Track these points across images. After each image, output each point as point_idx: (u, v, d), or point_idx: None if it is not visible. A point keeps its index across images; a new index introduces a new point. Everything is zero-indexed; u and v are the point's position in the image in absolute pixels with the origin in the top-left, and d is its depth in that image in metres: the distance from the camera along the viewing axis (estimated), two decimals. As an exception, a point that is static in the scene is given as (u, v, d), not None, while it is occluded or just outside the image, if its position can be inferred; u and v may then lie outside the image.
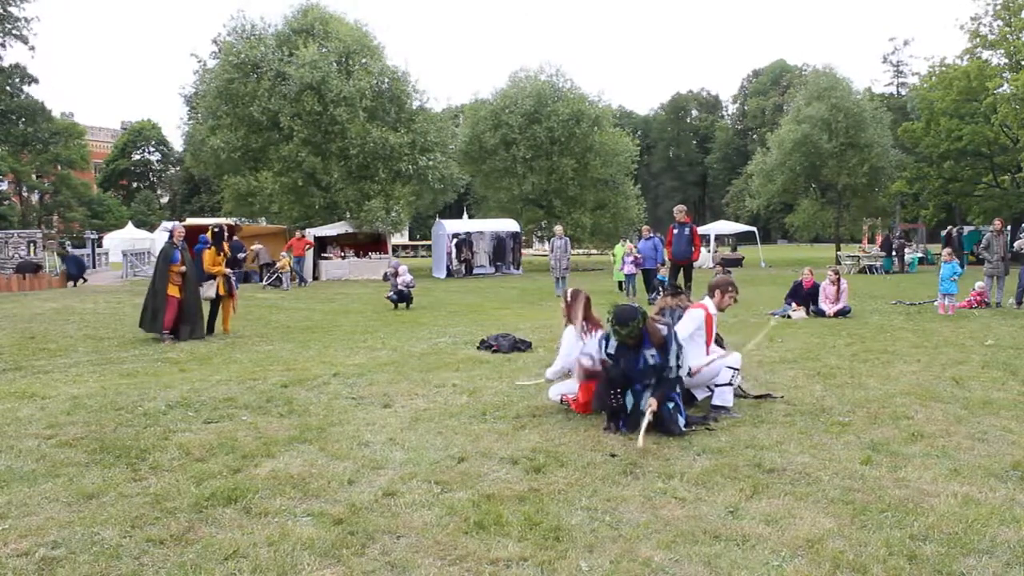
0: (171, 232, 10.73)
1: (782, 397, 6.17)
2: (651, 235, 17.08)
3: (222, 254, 11.05)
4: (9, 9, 36.80)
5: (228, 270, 11.15)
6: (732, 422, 5.41)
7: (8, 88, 38.95)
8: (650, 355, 5.16)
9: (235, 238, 24.76)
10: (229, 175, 27.34)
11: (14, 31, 37.28)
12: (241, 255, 22.59)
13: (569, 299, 6.17)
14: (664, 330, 5.22)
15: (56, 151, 44.01)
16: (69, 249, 27.05)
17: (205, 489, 4.02)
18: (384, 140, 26.72)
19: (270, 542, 3.35)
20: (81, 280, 22.89)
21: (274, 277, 22.63)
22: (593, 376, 5.46)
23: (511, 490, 4.01)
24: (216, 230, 11.46)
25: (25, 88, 40.23)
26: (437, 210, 39.67)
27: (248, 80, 27.07)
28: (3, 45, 38.01)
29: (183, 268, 10.38)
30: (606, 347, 5.30)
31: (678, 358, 5.20)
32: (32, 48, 39.44)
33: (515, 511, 3.71)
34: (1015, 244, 14.17)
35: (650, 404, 4.98)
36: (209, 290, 11.12)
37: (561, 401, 5.81)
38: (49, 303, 16.83)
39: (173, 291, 10.22)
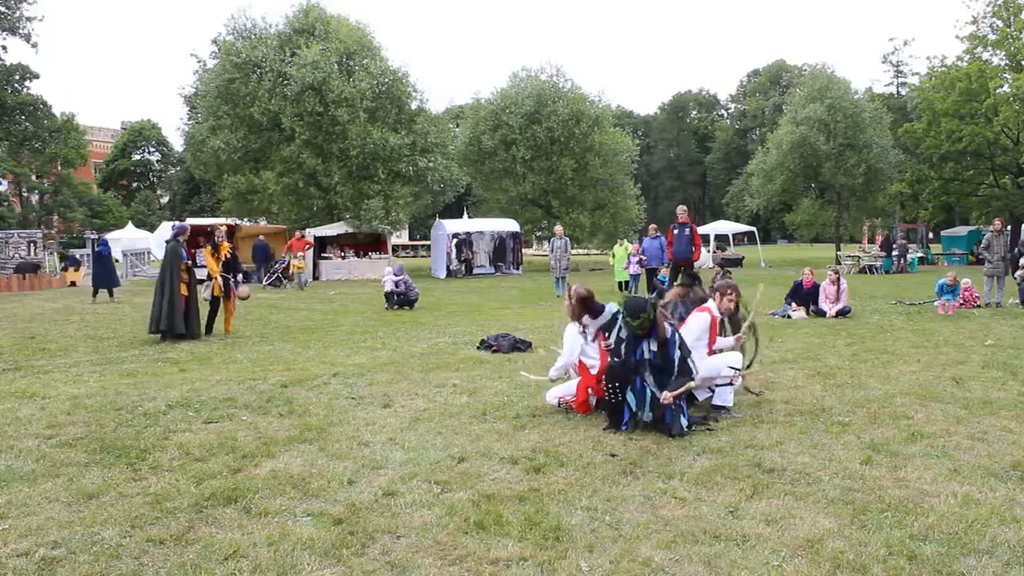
0: (178, 232, 10.75)
1: (761, 393, 6.23)
2: (657, 234, 17.04)
3: (216, 256, 11.04)
4: (11, 7, 36.80)
5: (220, 274, 11.09)
6: (732, 422, 5.42)
7: (9, 88, 38.97)
8: (648, 349, 5.19)
9: (261, 237, 24.90)
10: (229, 175, 27.34)
11: (19, 29, 37.32)
12: (279, 263, 22.86)
13: (573, 298, 6.20)
14: (668, 330, 5.25)
15: (55, 149, 43.98)
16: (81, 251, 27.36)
17: (205, 489, 4.02)
18: (384, 141, 26.72)
19: (270, 542, 3.35)
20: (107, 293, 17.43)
21: (274, 277, 22.61)
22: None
23: (511, 490, 4.01)
24: (210, 230, 11.52)
25: (27, 84, 40.30)
26: (437, 210, 39.66)
27: (249, 80, 27.06)
28: (4, 47, 38.10)
29: (188, 263, 10.47)
30: (616, 335, 5.33)
31: (686, 353, 5.25)
32: (35, 45, 39.39)
33: (515, 511, 3.71)
34: (1016, 275, 14.21)
35: (665, 397, 5.04)
36: (205, 291, 11.13)
37: (559, 404, 5.81)
38: (49, 303, 16.84)
39: (183, 290, 10.28)
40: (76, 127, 46.15)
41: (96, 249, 18.76)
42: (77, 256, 25.81)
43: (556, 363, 6.17)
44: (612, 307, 5.63)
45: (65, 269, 24.93)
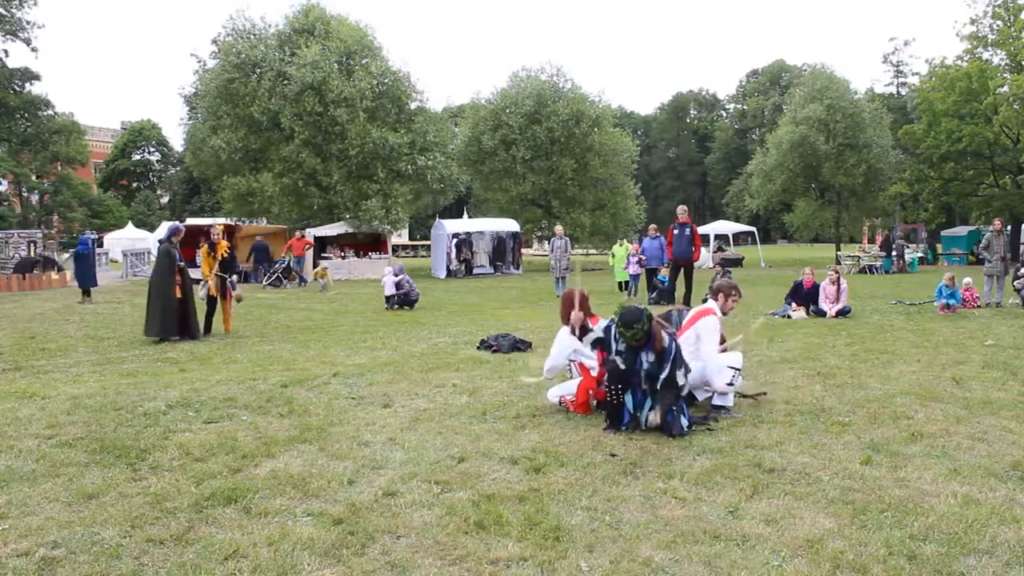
0: (172, 232, 10.73)
1: (765, 394, 6.23)
2: (657, 234, 17.05)
3: (213, 255, 11.02)
4: (11, 10, 36.88)
5: (216, 273, 11.07)
6: (732, 422, 5.41)
7: (11, 89, 39.03)
8: (646, 359, 5.16)
9: (258, 238, 24.92)
10: (229, 175, 27.34)
11: (19, 32, 37.42)
12: (282, 262, 22.85)
13: (564, 301, 6.21)
14: (667, 340, 5.21)
15: (56, 148, 44.04)
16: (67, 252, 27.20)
17: (205, 489, 4.02)
18: (384, 140, 26.72)
19: (270, 542, 3.35)
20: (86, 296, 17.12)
21: (274, 277, 22.59)
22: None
23: (511, 490, 4.01)
24: (206, 230, 11.52)
25: (27, 86, 40.39)
26: (437, 210, 39.69)
27: (248, 80, 27.06)
28: (5, 52, 38.22)
29: (182, 265, 10.45)
30: (615, 343, 5.29)
31: (676, 367, 5.16)
32: (35, 50, 39.72)
33: (515, 511, 3.71)
34: (1015, 283, 14.22)
35: (653, 419, 5.01)
36: (201, 291, 11.12)
37: (560, 403, 5.81)
38: (49, 303, 16.83)
39: (177, 292, 10.26)
40: (77, 126, 46.18)
41: (75, 248, 18.73)
42: (56, 259, 25.65)
43: (546, 364, 6.18)
44: (602, 323, 5.55)
45: (45, 270, 24.63)
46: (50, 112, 42.13)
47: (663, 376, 5.11)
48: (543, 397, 6.05)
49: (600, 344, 5.46)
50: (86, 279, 17.15)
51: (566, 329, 6.01)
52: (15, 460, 4.58)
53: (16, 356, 9.09)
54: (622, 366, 5.20)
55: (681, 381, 5.20)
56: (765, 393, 6.27)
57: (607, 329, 5.39)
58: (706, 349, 5.64)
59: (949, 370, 7.41)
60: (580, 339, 5.88)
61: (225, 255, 11.10)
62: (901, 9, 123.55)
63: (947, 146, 33.27)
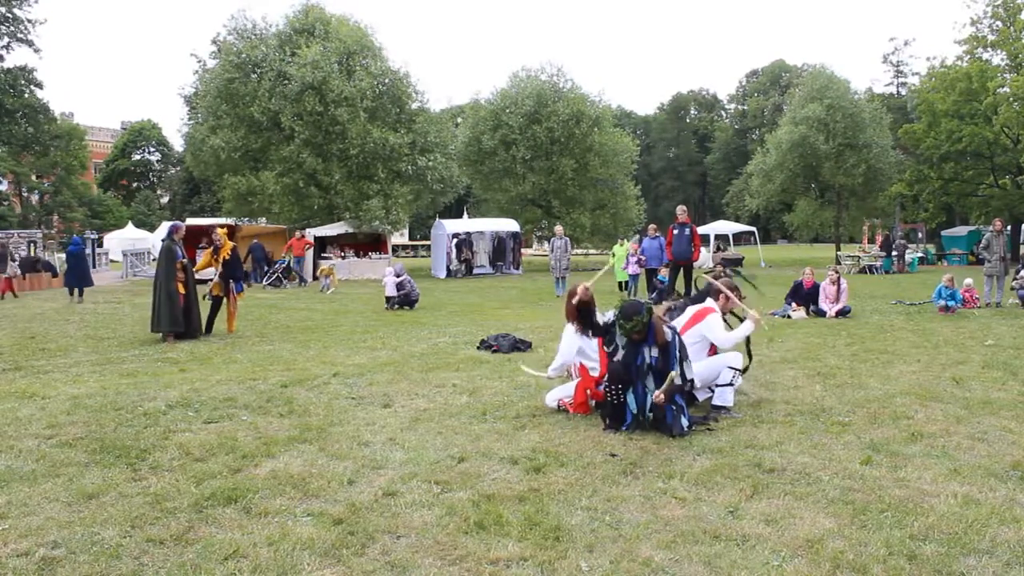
0: (172, 230, 10.74)
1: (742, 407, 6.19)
2: (656, 234, 17.03)
3: (216, 257, 11.02)
4: (13, 11, 36.89)
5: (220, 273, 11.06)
6: (732, 422, 5.42)
7: (12, 90, 38.99)
8: (649, 354, 5.17)
9: (255, 241, 24.94)
10: (229, 175, 27.33)
11: (19, 34, 37.43)
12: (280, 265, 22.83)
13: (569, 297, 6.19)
14: (669, 334, 5.22)
15: (56, 156, 44.03)
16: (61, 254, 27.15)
17: (205, 489, 4.02)
18: (384, 140, 26.72)
19: (270, 542, 3.35)
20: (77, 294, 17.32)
21: (274, 277, 22.59)
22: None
23: (511, 490, 4.01)
24: (208, 231, 11.55)
25: (26, 92, 40.32)
26: (437, 210, 39.65)
27: (248, 80, 27.06)
28: (8, 47, 38.13)
29: (185, 261, 10.46)
30: (616, 342, 5.29)
31: (683, 364, 5.21)
32: (38, 51, 39.67)
33: (515, 511, 3.71)
34: (1014, 283, 14.22)
35: (656, 396, 5.02)
36: (205, 290, 11.12)
37: (558, 406, 5.80)
38: (49, 303, 16.83)
39: (180, 288, 10.28)
40: (77, 128, 46.14)
41: (67, 248, 18.74)
42: (52, 263, 25.63)
43: (553, 362, 6.17)
44: (611, 314, 5.58)
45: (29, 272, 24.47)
46: (51, 117, 42.08)
47: (672, 372, 5.15)
48: (543, 398, 6.05)
49: (605, 334, 5.46)
50: (80, 279, 17.16)
51: (571, 327, 6.01)
52: (15, 460, 4.58)
53: (16, 356, 9.09)
54: (625, 359, 5.21)
55: (689, 374, 5.26)
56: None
57: (612, 322, 5.41)
58: (721, 337, 5.74)
59: (949, 370, 7.41)
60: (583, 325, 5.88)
61: (227, 256, 11.10)
62: (901, 9, 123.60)
63: (947, 146, 33.26)
